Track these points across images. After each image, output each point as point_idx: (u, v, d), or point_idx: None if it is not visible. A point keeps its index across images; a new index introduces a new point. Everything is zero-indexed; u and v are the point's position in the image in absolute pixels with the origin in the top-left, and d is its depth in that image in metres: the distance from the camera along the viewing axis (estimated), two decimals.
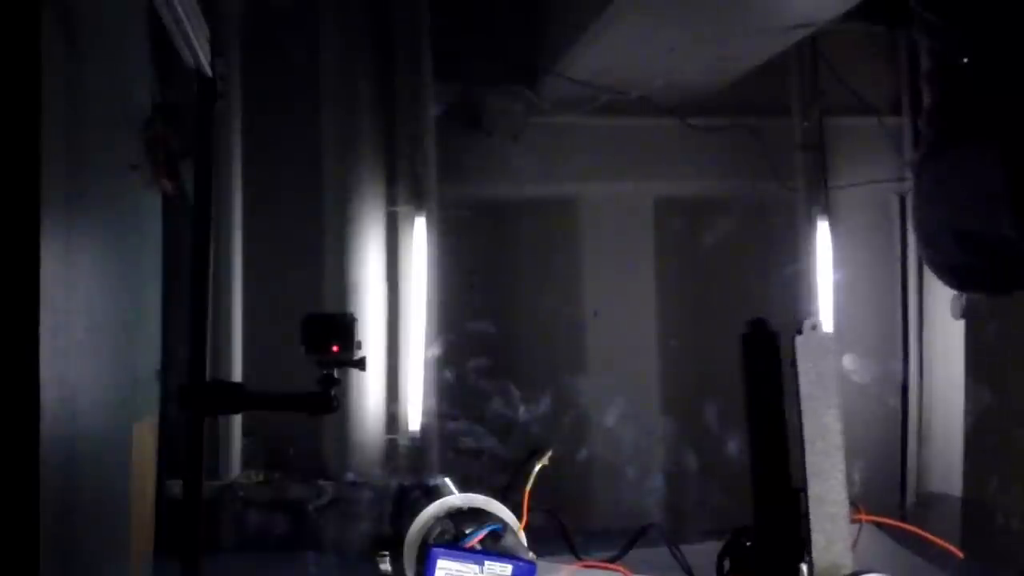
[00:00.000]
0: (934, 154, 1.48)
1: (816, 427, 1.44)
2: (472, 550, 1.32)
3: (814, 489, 1.43)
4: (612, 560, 1.46)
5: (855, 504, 1.51)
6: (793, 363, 1.46)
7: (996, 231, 1.39)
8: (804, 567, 1.44)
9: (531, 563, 1.32)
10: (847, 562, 1.46)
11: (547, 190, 5.94)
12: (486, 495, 1.39)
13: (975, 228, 1.43)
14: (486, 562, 1.31)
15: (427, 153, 5.69)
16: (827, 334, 1.47)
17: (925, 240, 1.51)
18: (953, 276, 1.55)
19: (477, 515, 1.38)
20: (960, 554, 1.35)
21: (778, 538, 1.47)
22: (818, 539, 1.44)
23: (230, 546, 5.14)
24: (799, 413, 1.48)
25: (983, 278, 1.55)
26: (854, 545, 1.47)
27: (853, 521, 1.50)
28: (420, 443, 5.62)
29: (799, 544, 1.48)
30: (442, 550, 1.31)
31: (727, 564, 1.51)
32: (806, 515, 1.45)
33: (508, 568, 1.32)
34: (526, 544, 1.34)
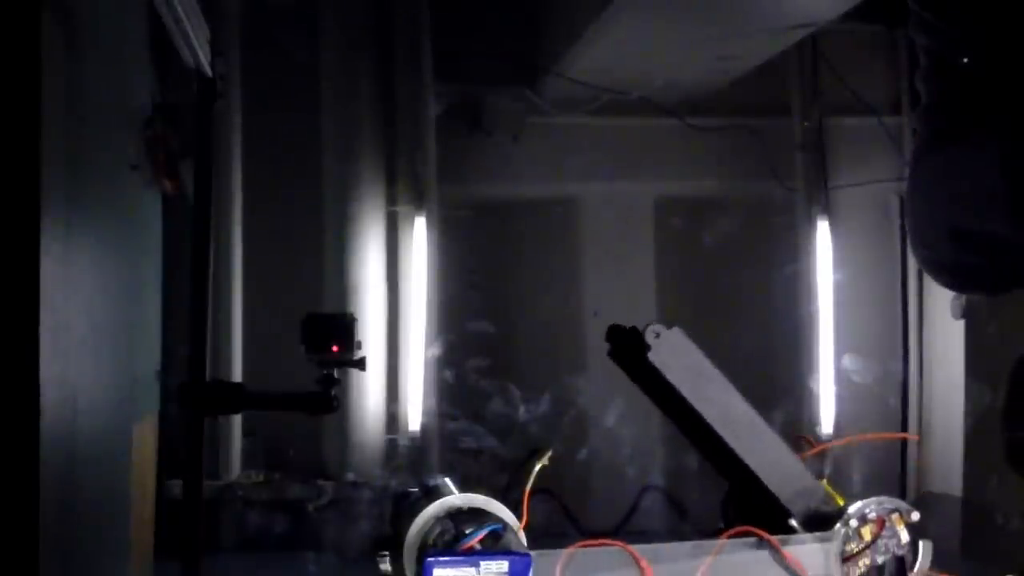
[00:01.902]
0: (930, 152, 1.48)
1: (716, 408, 1.43)
2: (467, 551, 1.32)
3: (751, 459, 1.43)
4: (617, 529, 1.47)
5: (802, 438, 1.50)
6: (659, 375, 1.46)
7: (993, 230, 1.39)
8: (792, 520, 1.44)
9: (526, 554, 1.32)
10: (811, 483, 1.46)
11: (547, 190, 5.94)
12: (486, 495, 1.39)
13: (971, 227, 1.43)
14: (482, 563, 1.31)
15: (427, 153, 5.69)
16: (671, 331, 1.45)
17: (920, 239, 1.51)
18: (949, 276, 1.55)
19: (477, 515, 1.38)
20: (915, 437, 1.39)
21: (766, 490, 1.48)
22: (781, 492, 1.43)
23: (230, 546, 5.15)
24: (694, 412, 1.47)
25: (980, 278, 1.54)
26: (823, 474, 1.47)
27: (809, 453, 1.49)
28: (420, 443, 5.62)
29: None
30: (437, 559, 1.31)
31: (731, 512, 1.51)
32: (756, 481, 1.45)
33: (504, 564, 1.31)
34: (526, 544, 1.34)
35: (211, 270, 3.13)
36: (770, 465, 1.45)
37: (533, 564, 1.34)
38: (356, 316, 2.64)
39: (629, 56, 5.09)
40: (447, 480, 1.44)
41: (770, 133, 5.94)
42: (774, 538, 1.41)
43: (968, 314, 5.14)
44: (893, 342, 5.94)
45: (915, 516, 1.40)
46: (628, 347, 1.47)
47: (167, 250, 3.97)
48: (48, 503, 2.07)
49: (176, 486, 3.90)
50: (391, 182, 5.75)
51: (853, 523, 1.40)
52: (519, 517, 1.39)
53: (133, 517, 3.47)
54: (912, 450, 5.91)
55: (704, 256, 5.86)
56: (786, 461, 1.47)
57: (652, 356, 1.44)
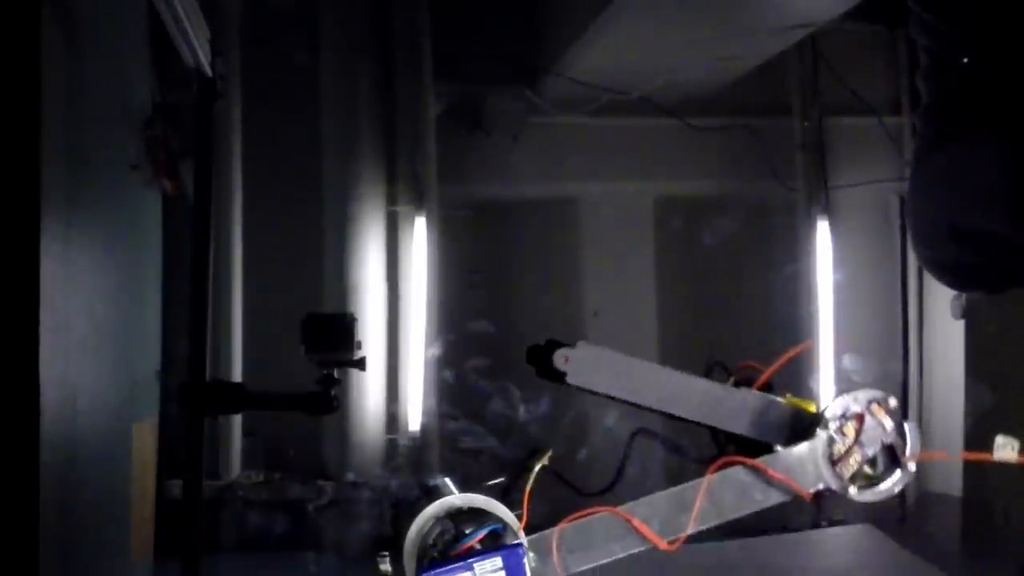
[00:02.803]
0: (930, 152, 1.47)
1: (654, 393, 1.41)
2: (458, 557, 1.32)
3: (711, 420, 1.42)
4: (610, 486, 1.45)
5: (749, 366, 1.48)
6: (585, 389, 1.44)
7: (993, 229, 1.38)
8: (777, 448, 1.43)
9: (517, 544, 1.31)
10: (777, 409, 1.44)
11: (547, 190, 5.94)
12: (486, 495, 1.38)
13: (971, 226, 1.43)
14: (476, 565, 1.31)
15: (427, 153, 5.69)
16: (578, 349, 1.43)
17: (920, 238, 1.51)
18: (950, 275, 1.55)
19: (477, 515, 1.38)
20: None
21: None
22: (753, 432, 1.42)
23: (230, 546, 5.15)
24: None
25: (980, 277, 1.54)
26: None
27: (762, 381, 1.47)
28: (420, 443, 5.62)
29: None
30: (430, 573, 1.32)
31: (721, 436, 1.49)
32: (721, 435, 1.43)
33: (498, 560, 1.31)
34: (527, 544, 1.34)
35: (211, 270, 3.13)
36: (730, 418, 1.43)
37: (527, 551, 1.34)
38: (356, 316, 2.63)
39: (629, 56, 5.09)
40: (447, 480, 1.44)
41: (770, 133, 5.94)
42: (758, 461, 1.39)
43: (968, 314, 5.14)
44: (893, 342, 5.94)
45: (892, 402, 1.38)
46: (547, 368, 1.45)
47: (167, 250, 3.96)
48: (48, 503, 2.07)
49: (176, 486, 3.89)
50: (391, 182, 5.75)
51: (833, 425, 1.37)
52: (519, 517, 1.38)
53: (133, 517, 3.47)
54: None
55: (704, 256, 5.86)
56: (743, 406, 1.44)
57: (570, 380, 1.42)
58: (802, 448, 1.39)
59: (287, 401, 2.88)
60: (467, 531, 1.35)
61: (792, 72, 6.01)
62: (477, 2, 5.74)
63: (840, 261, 5.96)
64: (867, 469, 1.39)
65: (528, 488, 1.38)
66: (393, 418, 5.64)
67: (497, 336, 5.43)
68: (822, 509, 5.89)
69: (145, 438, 3.71)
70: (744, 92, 5.73)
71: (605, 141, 5.85)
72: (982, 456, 1.33)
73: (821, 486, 1.38)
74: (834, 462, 1.38)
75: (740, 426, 1.40)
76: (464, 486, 1.42)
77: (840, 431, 1.38)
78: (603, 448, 5.58)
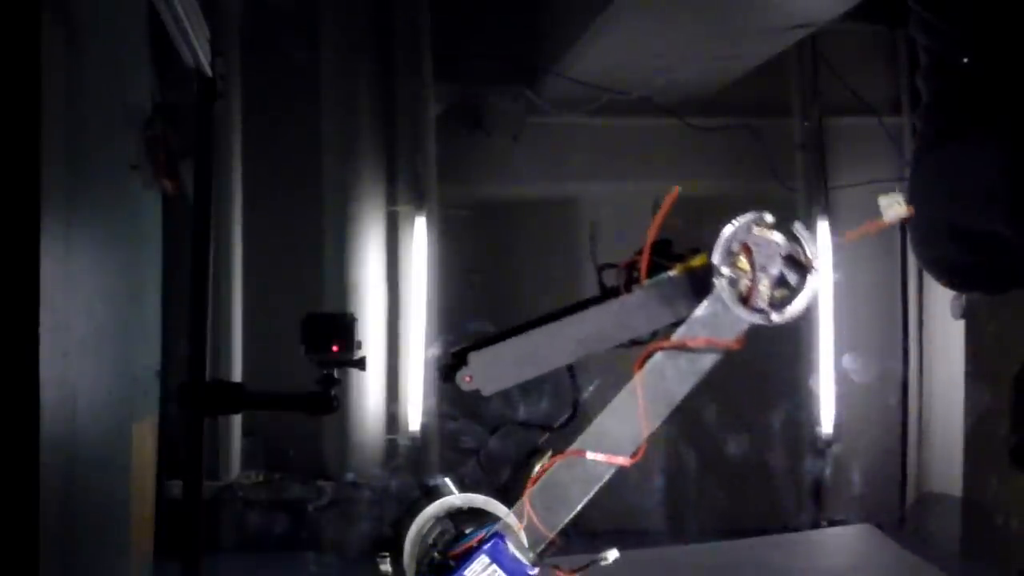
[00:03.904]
0: (930, 152, 1.48)
1: (567, 347, 1.39)
2: (465, 552, 1.33)
3: (623, 337, 1.39)
4: (570, 419, 1.43)
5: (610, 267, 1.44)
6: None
7: (993, 229, 1.39)
8: None
9: (493, 537, 1.32)
10: (667, 294, 1.41)
11: (547, 190, 5.94)
12: (486, 495, 1.38)
13: (971, 226, 1.43)
14: (466, 572, 1.32)
15: (427, 153, 5.69)
16: (471, 365, 1.41)
17: (921, 238, 1.51)
18: (949, 275, 1.55)
19: (477, 515, 1.38)
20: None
21: None
22: (661, 321, 1.39)
23: (230, 546, 5.15)
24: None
25: (980, 277, 1.54)
26: None
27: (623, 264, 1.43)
28: (420, 443, 5.62)
29: None
30: None
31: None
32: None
33: (484, 560, 1.32)
34: (526, 544, 1.34)
35: (211, 270, 3.13)
36: (640, 321, 1.40)
37: (509, 533, 1.34)
38: (356, 316, 2.64)
39: (629, 56, 5.09)
40: (447, 480, 1.44)
41: (770, 133, 5.93)
42: (675, 339, 1.37)
43: (968, 314, 5.14)
44: (893, 342, 5.94)
45: (768, 217, 1.36)
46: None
47: (167, 250, 3.97)
48: (48, 503, 2.07)
49: (176, 486, 3.89)
50: (391, 182, 5.75)
51: (725, 270, 1.35)
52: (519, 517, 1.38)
53: (133, 517, 3.47)
54: (912, 450, 5.91)
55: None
56: (642, 302, 1.41)
57: (486, 392, 1.41)
58: (707, 303, 1.36)
59: (287, 401, 2.89)
60: (467, 531, 1.35)
61: (792, 72, 6.01)
62: (477, 2, 5.74)
63: (840, 261, 5.95)
64: (781, 292, 1.36)
65: (528, 488, 1.38)
66: (393, 418, 5.64)
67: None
68: (822, 509, 5.89)
69: (145, 438, 3.71)
70: (744, 92, 5.73)
71: (605, 141, 5.85)
72: None
73: (746, 327, 1.34)
74: (745, 300, 1.34)
75: (654, 322, 1.37)
76: (464, 486, 1.42)
77: (736, 270, 1.35)
78: None
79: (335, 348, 2.54)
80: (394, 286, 5.69)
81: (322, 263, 5.60)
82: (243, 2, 5.21)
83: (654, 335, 1.37)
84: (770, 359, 5.96)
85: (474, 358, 1.40)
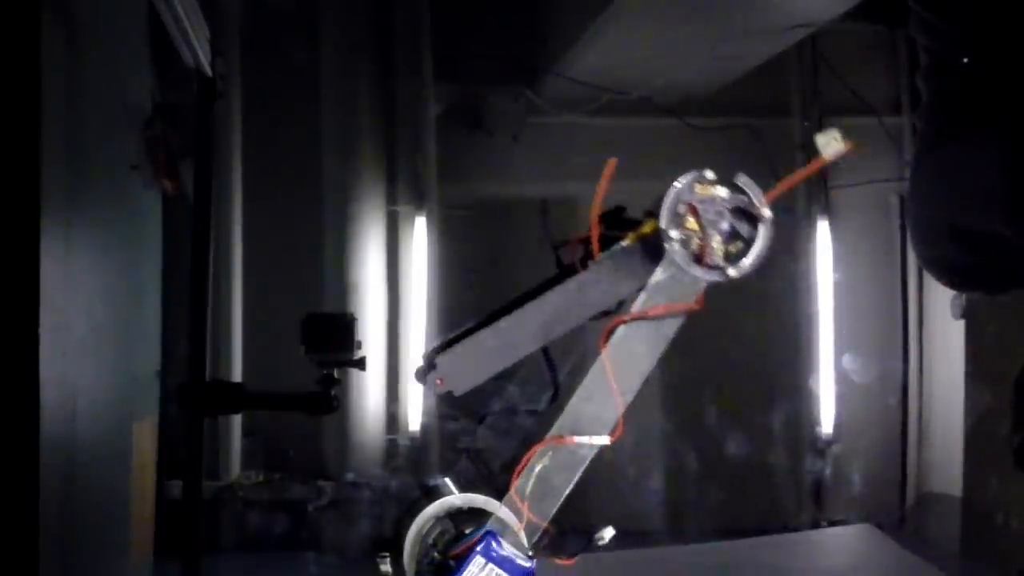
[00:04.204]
0: (930, 152, 1.47)
1: (532, 335, 1.38)
2: (464, 552, 1.33)
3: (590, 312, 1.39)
4: (553, 398, 1.42)
5: (568, 243, 1.43)
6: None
7: (993, 229, 1.38)
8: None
9: (487, 534, 1.32)
10: (624, 268, 1.40)
11: (547, 190, 5.94)
12: (486, 495, 1.38)
13: (971, 226, 1.43)
14: (463, 575, 1.32)
15: (427, 153, 5.69)
16: (439, 368, 1.41)
17: (921, 238, 1.51)
18: (949, 274, 1.55)
19: (477, 515, 1.38)
20: None
21: None
22: (620, 294, 1.38)
23: (230, 546, 5.15)
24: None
25: (980, 277, 1.54)
26: None
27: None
28: (420, 443, 5.62)
29: None
30: None
31: None
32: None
33: (479, 560, 1.32)
34: (526, 544, 1.34)
35: (211, 270, 3.13)
36: (600, 297, 1.39)
37: (502, 534, 1.34)
38: (356, 316, 2.63)
39: (629, 56, 5.09)
40: (447, 480, 1.44)
41: (770, 133, 5.93)
42: (633, 311, 1.36)
43: (968, 314, 5.14)
44: (893, 342, 5.94)
45: (708, 174, 1.35)
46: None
47: (167, 250, 3.96)
48: (48, 503, 2.07)
49: (176, 486, 3.89)
50: (391, 182, 5.75)
51: (674, 233, 1.34)
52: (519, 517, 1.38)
53: (133, 517, 3.47)
54: (912, 450, 5.91)
55: None
56: (599, 277, 1.40)
57: (458, 393, 1.41)
58: (661, 269, 1.35)
59: (287, 401, 2.88)
60: (467, 531, 1.35)
61: (792, 72, 6.00)
62: (477, 2, 5.74)
63: (840, 261, 5.96)
64: (735, 246, 1.35)
65: (528, 488, 1.38)
66: (393, 418, 5.64)
67: None
68: (822, 509, 5.89)
69: (145, 438, 3.71)
70: (744, 92, 5.73)
71: (605, 141, 5.85)
72: None
73: (704, 286, 1.34)
74: (700, 259, 1.34)
75: (615, 294, 1.37)
76: (464, 486, 1.42)
77: (684, 230, 1.34)
78: (604, 449, 5.57)
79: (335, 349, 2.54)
80: (394, 286, 5.69)
81: (322, 263, 5.60)
82: (243, 2, 5.21)
83: (621, 305, 1.37)
84: (770, 359, 5.97)
85: (441, 360, 1.39)
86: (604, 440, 1.35)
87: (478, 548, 1.31)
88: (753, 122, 5.87)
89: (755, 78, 5.56)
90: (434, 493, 1.42)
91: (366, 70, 5.65)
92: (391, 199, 5.73)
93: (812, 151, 1.33)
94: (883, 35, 5.95)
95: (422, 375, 1.39)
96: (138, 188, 3.52)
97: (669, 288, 1.34)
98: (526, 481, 1.36)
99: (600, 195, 1.37)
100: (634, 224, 1.37)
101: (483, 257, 5.86)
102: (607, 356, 1.34)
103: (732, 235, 1.35)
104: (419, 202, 5.69)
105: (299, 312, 2.61)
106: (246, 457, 5.46)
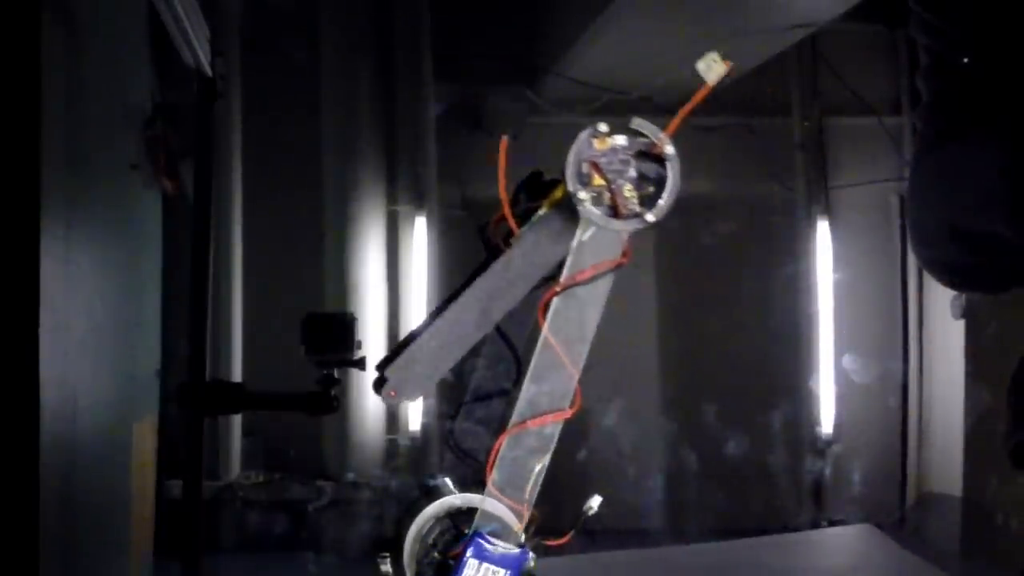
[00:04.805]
0: (930, 152, 1.47)
1: (473, 324, 1.37)
2: (448, 567, 1.33)
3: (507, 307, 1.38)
4: (515, 381, 1.41)
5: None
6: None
7: (993, 229, 1.38)
8: None
9: (474, 535, 1.32)
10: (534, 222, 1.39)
11: None
12: (479, 488, 1.38)
13: (971, 226, 1.42)
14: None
15: (427, 153, 5.69)
16: (390, 379, 1.40)
17: (920, 238, 1.50)
18: (949, 275, 1.54)
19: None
20: None
21: None
22: (555, 262, 1.37)
23: (230, 546, 5.15)
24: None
25: (979, 277, 1.53)
26: None
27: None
28: (420, 443, 5.62)
29: None
30: None
31: None
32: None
33: (473, 563, 1.32)
34: (518, 530, 1.34)
35: (211, 270, 3.13)
36: (528, 271, 1.38)
37: (492, 529, 1.34)
38: (356, 316, 2.63)
39: (629, 56, 5.09)
40: (447, 480, 1.44)
41: (770, 133, 5.94)
42: (564, 281, 1.35)
43: (968, 314, 5.14)
44: (893, 342, 5.94)
45: (602, 126, 1.34)
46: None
47: (167, 250, 3.96)
48: (48, 503, 2.07)
49: (176, 486, 3.89)
50: (391, 182, 5.75)
51: (583, 194, 1.33)
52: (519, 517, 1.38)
53: (133, 517, 3.47)
54: (912, 450, 5.91)
55: (704, 256, 5.86)
56: (523, 254, 1.38)
57: (411, 399, 1.40)
58: (580, 231, 1.34)
59: (287, 401, 2.88)
60: (467, 531, 1.35)
61: (792, 72, 6.01)
62: (477, 2, 5.74)
63: (840, 261, 5.96)
64: (647, 189, 1.34)
65: (528, 488, 1.38)
66: (393, 418, 5.64)
67: None
68: (822, 509, 5.89)
69: (145, 438, 3.71)
70: (744, 92, 5.73)
71: None
72: None
73: (626, 237, 1.32)
74: (615, 210, 1.33)
75: (546, 264, 1.36)
76: (464, 486, 1.42)
77: (592, 187, 1.33)
78: (603, 448, 5.58)
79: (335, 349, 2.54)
80: (394, 286, 5.69)
81: (322, 263, 5.60)
82: (243, 2, 5.21)
83: (562, 268, 1.36)
84: (770, 359, 5.98)
85: (389, 372, 1.39)
86: (566, 414, 1.34)
87: (468, 553, 1.31)
88: (753, 122, 5.88)
89: (755, 78, 5.56)
90: (434, 493, 1.41)
91: (366, 70, 5.65)
92: (391, 199, 5.73)
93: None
94: (883, 35, 5.95)
95: (376, 389, 1.39)
96: (138, 188, 3.52)
97: (593, 248, 1.33)
98: (501, 473, 1.36)
99: (502, 174, 1.36)
100: (556, 186, 1.36)
101: (483, 257, 5.85)
102: (548, 331, 1.34)
103: (642, 179, 1.34)
104: (419, 202, 5.69)
105: (299, 312, 2.61)
106: (246, 457, 5.46)
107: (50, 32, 2.14)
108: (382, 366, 1.38)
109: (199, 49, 3.00)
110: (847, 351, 5.85)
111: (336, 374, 2.59)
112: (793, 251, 5.99)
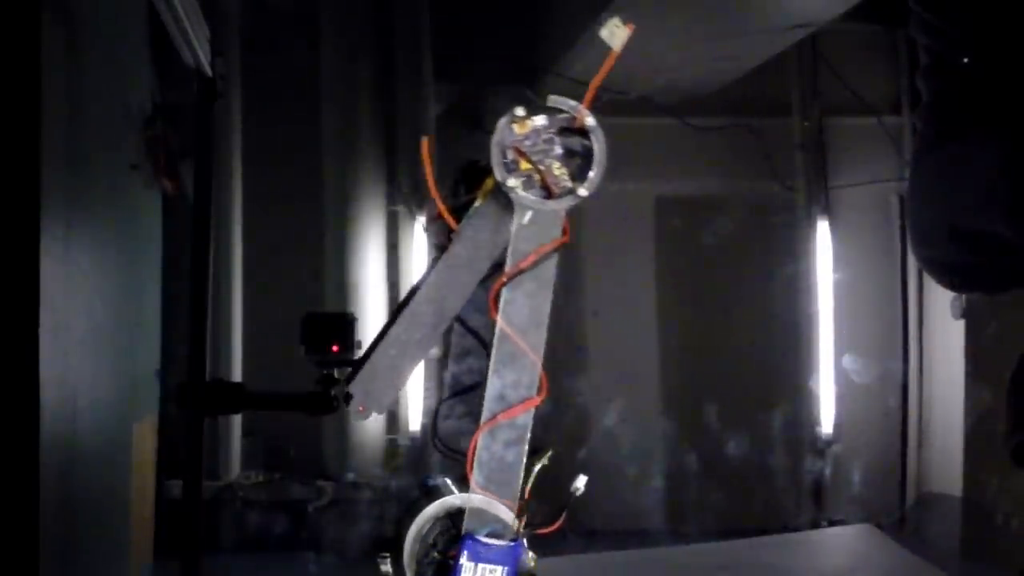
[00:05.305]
0: (930, 152, 1.47)
1: (431, 322, 1.37)
2: (448, 566, 1.33)
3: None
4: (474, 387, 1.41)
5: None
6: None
7: (993, 230, 1.38)
8: None
9: (466, 537, 1.32)
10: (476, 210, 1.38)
11: None
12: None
13: (971, 227, 1.42)
14: None
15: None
16: (354, 393, 1.41)
17: (920, 239, 1.50)
18: (949, 276, 1.54)
19: None
20: None
21: None
22: (500, 249, 1.37)
23: (230, 546, 5.15)
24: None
25: (979, 278, 1.53)
26: None
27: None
28: (420, 443, 5.62)
29: None
30: None
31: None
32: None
33: (471, 565, 1.32)
34: (526, 543, 1.34)
35: (211, 270, 3.13)
36: (475, 263, 1.37)
37: (483, 531, 1.34)
38: (356, 316, 2.63)
39: (629, 56, 5.07)
40: (447, 480, 1.44)
41: (770, 133, 5.93)
42: (509, 271, 1.35)
43: (968, 314, 5.14)
44: (893, 342, 5.94)
45: (519, 111, 1.33)
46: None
47: (167, 250, 3.97)
48: (48, 503, 2.07)
49: (176, 486, 3.89)
50: (391, 182, 5.75)
51: (512, 181, 1.32)
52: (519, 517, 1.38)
53: (133, 517, 3.47)
54: (912, 450, 5.91)
55: (704, 256, 5.86)
56: (469, 247, 1.38)
57: (379, 412, 1.40)
58: (516, 218, 1.34)
59: (287, 401, 2.88)
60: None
61: (792, 72, 6.01)
62: (477, 2, 5.74)
63: (840, 261, 5.96)
64: (575, 163, 1.33)
65: (528, 487, 1.38)
66: (393, 418, 5.63)
67: None
68: (822, 509, 5.89)
69: (145, 438, 3.71)
70: (744, 92, 5.73)
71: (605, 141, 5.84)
72: None
73: (565, 213, 1.32)
74: (548, 190, 1.33)
75: (489, 255, 1.35)
76: (464, 486, 1.42)
77: (520, 173, 1.33)
78: (603, 448, 5.58)
79: (335, 348, 2.54)
80: (394, 286, 5.69)
81: (322, 263, 5.60)
82: (243, 2, 5.21)
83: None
84: (770, 359, 5.98)
85: (353, 387, 1.39)
86: (535, 401, 1.34)
87: (462, 557, 1.31)
88: (753, 122, 5.87)
89: (755, 78, 5.56)
90: (434, 493, 1.41)
91: (366, 70, 5.65)
92: (391, 199, 5.73)
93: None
94: (883, 35, 5.95)
95: (345, 406, 1.39)
96: (138, 188, 3.53)
97: (532, 232, 1.33)
98: (482, 471, 1.36)
99: (429, 174, 1.36)
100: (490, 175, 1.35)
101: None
102: (503, 322, 1.33)
103: (570, 155, 1.34)
104: (419, 202, 5.68)
105: (299, 312, 2.61)
106: (246, 457, 5.46)
107: (50, 32, 2.15)
108: (344, 384, 1.38)
109: (199, 49, 3.00)
110: (847, 351, 5.85)
111: (336, 374, 2.59)
112: (793, 251, 5.99)
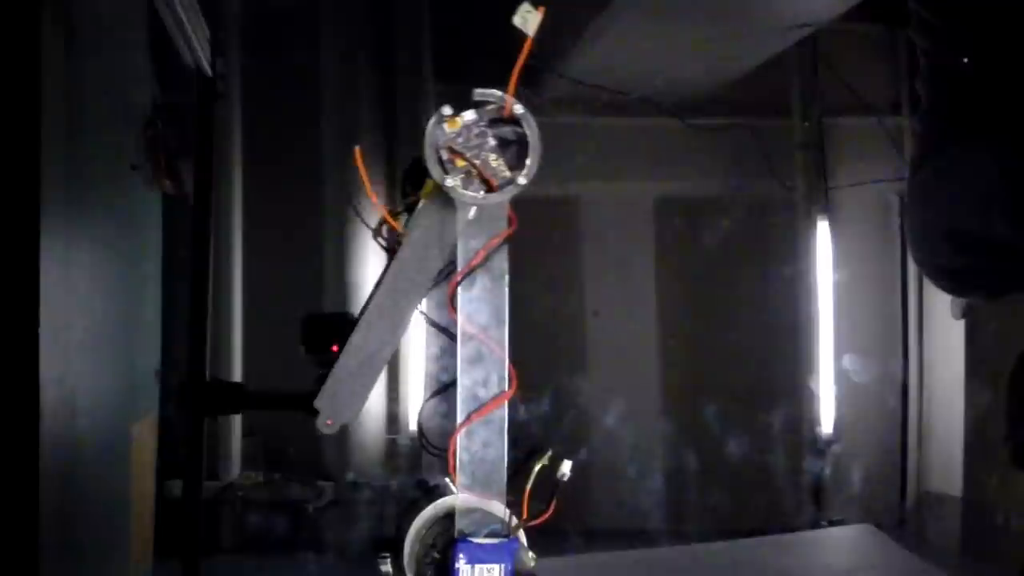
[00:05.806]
0: (929, 155, 1.47)
1: (388, 332, 1.38)
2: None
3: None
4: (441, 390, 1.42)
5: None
6: None
7: (992, 233, 1.38)
8: None
9: (460, 539, 1.32)
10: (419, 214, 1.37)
11: (547, 190, 5.93)
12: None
13: (970, 230, 1.42)
14: None
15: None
16: (321, 409, 1.41)
17: (918, 242, 1.50)
18: (948, 279, 1.54)
19: None
20: None
21: None
22: (445, 258, 1.37)
23: (230, 547, 5.15)
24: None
25: (979, 281, 1.53)
26: None
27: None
28: (420, 443, 5.61)
29: None
30: None
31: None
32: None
33: (467, 568, 1.32)
34: (526, 543, 1.34)
35: (211, 270, 3.13)
36: (422, 270, 1.38)
37: (477, 533, 1.34)
38: (356, 316, 2.63)
39: (629, 56, 5.08)
40: (447, 480, 1.44)
41: (770, 133, 5.93)
42: (461, 272, 1.35)
43: (968, 314, 5.14)
44: (893, 342, 5.94)
45: (446, 110, 1.33)
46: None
47: (167, 250, 3.97)
48: (48, 503, 2.07)
49: (176, 486, 3.89)
50: (391, 182, 5.74)
51: (450, 181, 1.32)
52: (519, 517, 1.38)
53: (133, 517, 3.47)
54: (912, 450, 5.91)
55: (704, 256, 5.85)
56: (414, 255, 1.39)
57: (348, 423, 1.41)
58: (459, 216, 1.34)
59: (287, 401, 2.88)
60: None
61: (792, 72, 6.00)
62: (477, 2, 5.73)
63: (840, 261, 5.96)
64: (511, 152, 1.34)
65: (528, 488, 1.38)
66: (393, 418, 5.63)
67: None
68: (822, 509, 5.89)
69: (145, 438, 3.71)
70: (744, 92, 5.73)
71: (605, 141, 5.85)
72: None
73: (508, 206, 1.32)
74: (487, 183, 1.33)
75: (440, 254, 1.36)
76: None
77: (457, 171, 1.33)
78: (603, 448, 5.58)
79: (335, 348, 2.54)
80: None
81: (322, 263, 5.60)
82: (243, 2, 5.20)
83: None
84: (770, 359, 5.97)
85: (319, 403, 1.41)
86: (508, 395, 1.35)
87: (458, 561, 1.31)
88: (753, 122, 5.87)
89: (755, 78, 5.56)
90: (434, 493, 1.42)
91: (366, 70, 5.65)
92: (391, 199, 5.73)
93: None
94: (883, 35, 5.95)
95: (315, 422, 1.40)
96: (138, 188, 3.52)
97: (478, 228, 1.34)
98: (465, 472, 1.36)
99: (366, 182, 1.37)
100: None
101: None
102: (464, 322, 1.34)
103: (505, 145, 1.34)
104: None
105: (299, 312, 2.61)
106: (246, 457, 5.46)
107: (50, 32, 2.14)
108: (312, 401, 1.38)
109: (199, 49, 3.00)
110: (847, 351, 5.85)
111: None
112: (793, 251, 5.99)
